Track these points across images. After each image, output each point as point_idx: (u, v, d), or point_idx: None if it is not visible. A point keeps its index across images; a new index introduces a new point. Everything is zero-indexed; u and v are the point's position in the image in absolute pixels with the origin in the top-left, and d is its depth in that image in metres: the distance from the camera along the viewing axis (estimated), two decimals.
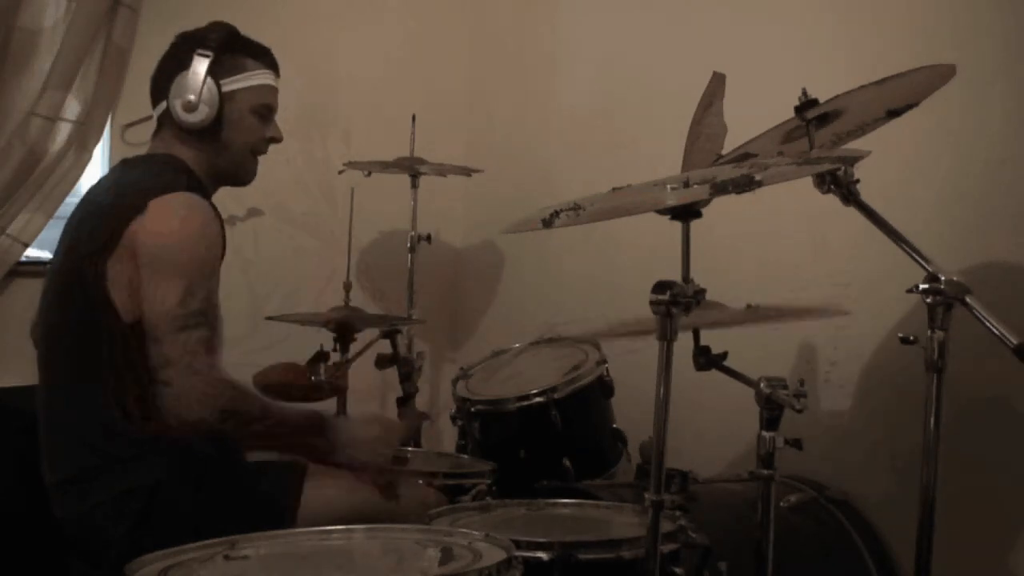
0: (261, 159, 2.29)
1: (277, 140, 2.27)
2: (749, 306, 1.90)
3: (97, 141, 2.99)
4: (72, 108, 2.91)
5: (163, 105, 2.19)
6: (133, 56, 2.98)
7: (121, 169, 2.25)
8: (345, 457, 2.06)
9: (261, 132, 2.23)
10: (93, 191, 2.25)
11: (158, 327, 1.96)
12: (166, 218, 2.02)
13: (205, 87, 2.14)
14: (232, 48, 2.19)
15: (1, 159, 2.83)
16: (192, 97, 2.13)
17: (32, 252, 2.94)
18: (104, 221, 2.05)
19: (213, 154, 2.20)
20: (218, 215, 2.12)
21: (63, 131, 2.91)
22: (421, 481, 2.25)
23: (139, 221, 2.01)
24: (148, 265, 1.99)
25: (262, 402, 2.05)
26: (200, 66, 2.14)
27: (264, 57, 2.24)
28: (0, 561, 2.28)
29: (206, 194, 2.19)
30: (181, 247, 2.02)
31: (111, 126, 3.04)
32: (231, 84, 2.17)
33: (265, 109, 2.23)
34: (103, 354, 2.03)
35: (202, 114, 2.14)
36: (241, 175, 2.27)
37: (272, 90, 2.25)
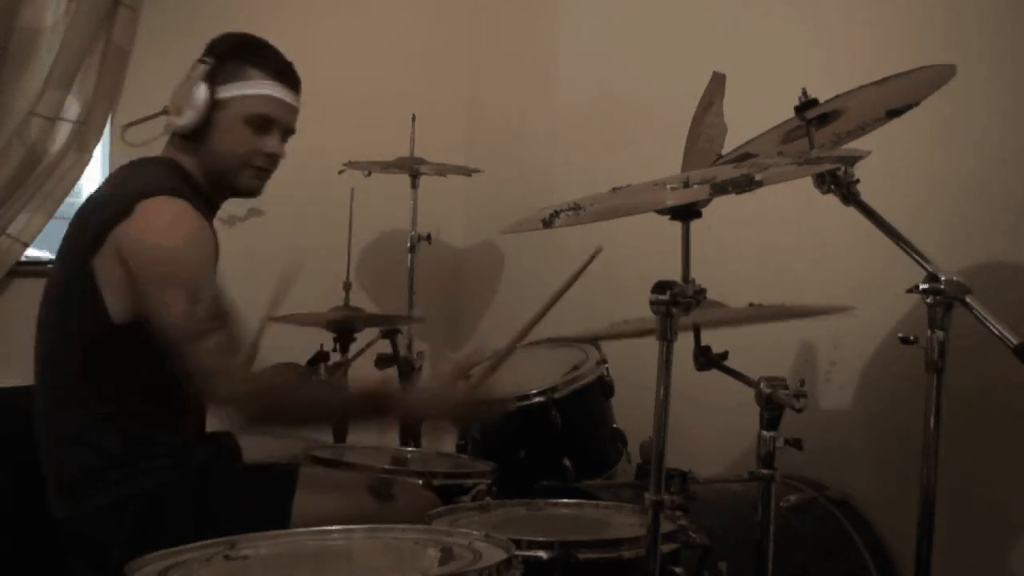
0: None
1: (275, 155, 2.20)
2: (751, 304, 1.89)
3: (97, 141, 3.00)
4: (72, 108, 2.92)
5: None
6: (133, 56, 2.98)
7: (120, 171, 2.25)
8: (423, 418, 2.17)
9: (254, 144, 2.17)
10: (93, 193, 2.25)
11: (173, 341, 1.93)
12: (153, 223, 2.01)
13: (196, 91, 2.12)
14: (239, 56, 2.17)
15: (1, 159, 2.83)
16: (182, 100, 2.13)
17: (32, 252, 2.94)
18: (94, 222, 2.05)
19: (203, 161, 2.18)
20: (204, 216, 2.10)
21: (63, 131, 2.91)
22: (421, 482, 2.24)
23: (126, 224, 2.00)
24: (146, 279, 1.97)
25: (306, 391, 2.05)
26: (196, 72, 2.14)
27: (271, 69, 2.18)
28: (1, 561, 2.28)
29: (204, 199, 2.18)
30: (174, 255, 1.99)
31: (111, 126, 3.05)
32: (226, 91, 2.14)
33: (261, 120, 2.16)
34: (100, 355, 2.03)
35: (187, 118, 2.13)
36: (235, 185, 2.21)
37: (274, 102, 2.18)
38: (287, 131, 2.23)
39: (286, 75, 2.20)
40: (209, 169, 2.18)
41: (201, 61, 2.15)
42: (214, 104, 2.13)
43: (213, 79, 2.13)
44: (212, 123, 2.14)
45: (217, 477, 2.12)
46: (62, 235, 2.18)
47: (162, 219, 2.02)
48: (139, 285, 1.98)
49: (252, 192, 2.25)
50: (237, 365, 1.94)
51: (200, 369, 1.92)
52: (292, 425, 2.06)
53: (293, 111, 2.22)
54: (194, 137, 2.15)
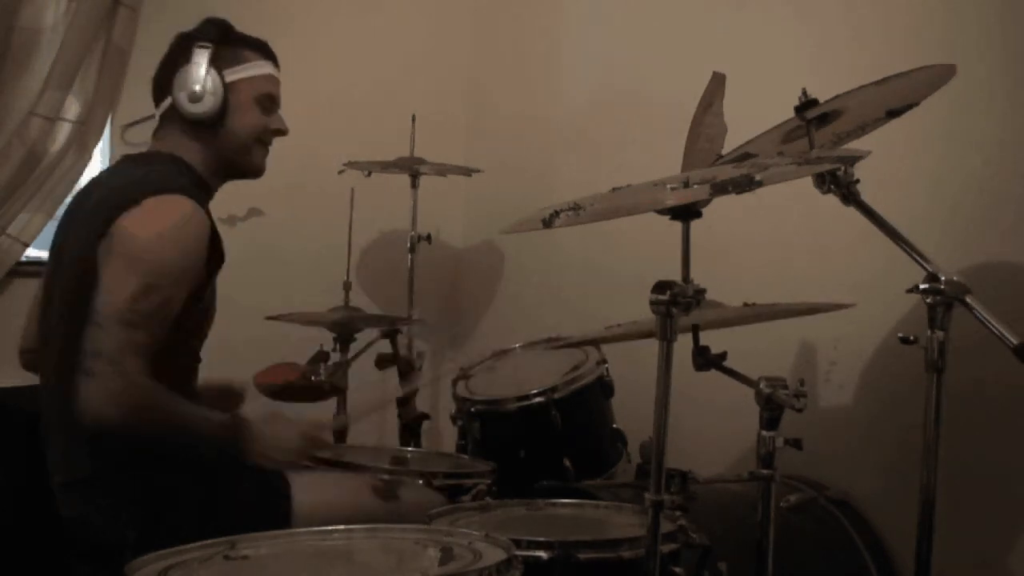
0: None
1: (282, 132, 2.26)
2: (746, 304, 1.89)
3: (97, 141, 3.00)
4: (72, 108, 2.92)
5: (166, 103, 2.19)
6: (133, 56, 2.99)
7: (123, 165, 2.24)
8: (263, 458, 2.06)
9: (265, 122, 2.23)
10: (91, 186, 2.24)
11: (102, 315, 1.93)
12: (152, 216, 2.01)
13: (209, 77, 2.14)
14: (230, 41, 2.20)
15: (1, 159, 2.83)
16: (197, 88, 2.14)
17: (32, 252, 2.94)
18: (100, 216, 2.03)
19: (219, 145, 2.19)
20: (211, 222, 2.10)
21: (63, 131, 2.91)
22: (421, 482, 2.25)
23: (130, 214, 2.00)
24: (118, 255, 1.98)
25: (178, 409, 2.00)
26: (201, 57, 2.15)
27: (262, 49, 2.24)
28: (1, 561, 2.28)
29: (209, 192, 2.19)
30: (151, 246, 1.99)
31: (111, 126, 3.05)
32: (233, 74, 2.18)
33: (267, 99, 2.23)
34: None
35: (207, 104, 2.15)
36: (247, 165, 2.24)
37: (273, 80, 2.25)
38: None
39: (272, 53, 2.27)
40: (224, 154, 2.20)
41: (200, 46, 2.16)
42: (226, 88, 2.16)
43: (217, 64, 2.16)
44: (227, 107, 2.17)
45: (222, 476, 2.11)
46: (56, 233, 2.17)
47: (164, 215, 2.02)
48: (111, 259, 1.98)
49: (261, 170, 2.27)
50: (137, 367, 1.93)
51: (106, 352, 1.90)
52: (157, 433, 2.02)
53: (280, 87, 2.30)
54: (207, 124, 2.17)
